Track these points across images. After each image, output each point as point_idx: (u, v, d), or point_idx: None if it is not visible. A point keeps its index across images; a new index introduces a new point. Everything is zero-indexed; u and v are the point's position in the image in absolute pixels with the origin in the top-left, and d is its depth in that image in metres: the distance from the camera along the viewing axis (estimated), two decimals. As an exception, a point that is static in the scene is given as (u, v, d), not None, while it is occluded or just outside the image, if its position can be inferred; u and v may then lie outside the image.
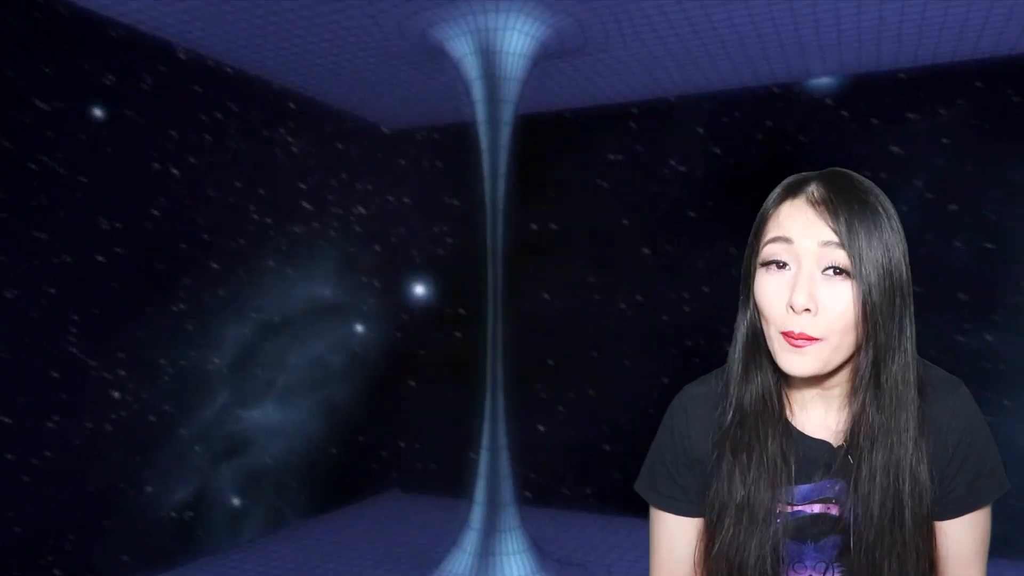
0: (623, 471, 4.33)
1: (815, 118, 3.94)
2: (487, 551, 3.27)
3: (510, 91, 3.37)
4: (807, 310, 0.85)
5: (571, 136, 4.52)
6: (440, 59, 3.53)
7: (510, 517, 3.37)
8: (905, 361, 0.88)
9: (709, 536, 0.96)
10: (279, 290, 4.07)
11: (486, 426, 3.51)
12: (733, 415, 0.94)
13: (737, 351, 0.95)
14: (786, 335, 0.86)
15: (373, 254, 4.77)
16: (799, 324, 0.85)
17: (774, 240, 0.90)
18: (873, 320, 0.85)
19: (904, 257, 0.88)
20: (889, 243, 0.87)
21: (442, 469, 4.67)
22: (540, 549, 3.43)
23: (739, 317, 0.96)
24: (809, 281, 0.86)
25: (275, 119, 4.11)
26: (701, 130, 4.18)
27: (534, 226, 4.62)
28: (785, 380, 0.96)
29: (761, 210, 0.94)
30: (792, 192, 0.92)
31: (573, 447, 4.43)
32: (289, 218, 4.19)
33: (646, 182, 4.35)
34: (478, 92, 3.38)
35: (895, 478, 0.88)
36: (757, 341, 0.93)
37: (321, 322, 4.30)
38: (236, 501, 3.79)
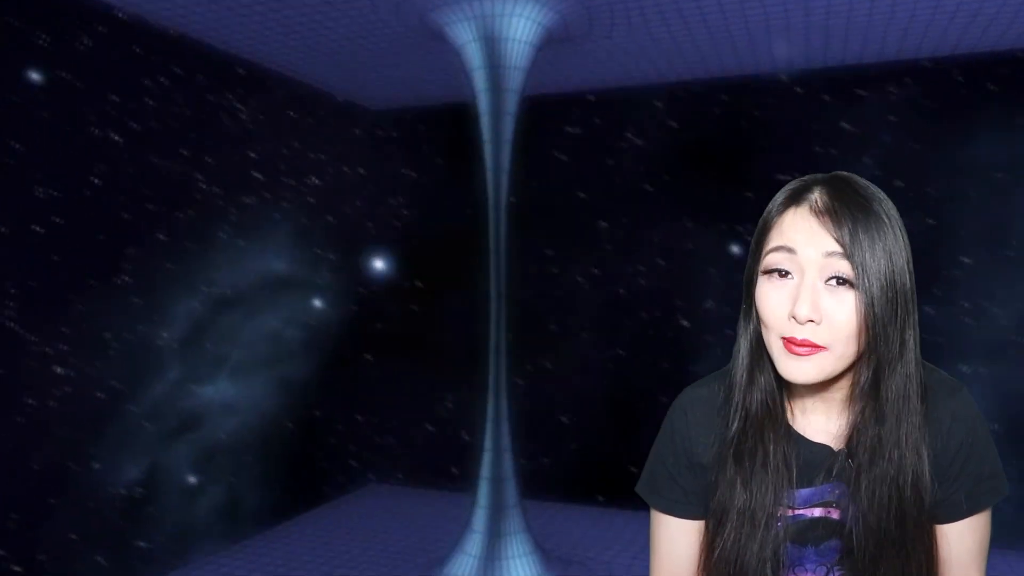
0: (580, 442, 4.39)
1: (770, 94, 3.99)
2: (492, 555, 3.21)
3: (514, 79, 3.22)
4: (811, 320, 0.85)
5: (529, 110, 4.49)
6: (416, 36, 3.40)
7: (515, 520, 3.30)
8: (907, 372, 0.88)
9: (711, 540, 0.96)
10: (230, 263, 3.97)
11: (489, 426, 3.42)
12: (739, 423, 0.94)
13: (741, 358, 0.95)
14: (788, 341, 0.86)
15: (327, 226, 4.68)
16: (802, 332, 0.86)
17: (777, 249, 0.89)
18: (874, 331, 0.85)
19: (908, 264, 0.88)
20: (892, 251, 0.87)
21: (403, 445, 4.66)
22: (546, 552, 3.38)
23: (741, 323, 0.96)
24: (812, 291, 0.86)
25: (222, 85, 3.97)
26: (659, 104, 4.19)
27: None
28: (787, 385, 0.96)
29: (764, 216, 0.94)
30: (795, 200, 0.91)
31: (531, 419, 4.47)
32: (239, 188, 4.07)
33: (603, 156, 4.35)
34: (480, 81, 3.23)
35: (895, 487, 0.89)
36: (760, 347, 0.93)
37: (275, 296, 4.22)
38: (189, 478, 3.72)
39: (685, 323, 4.17)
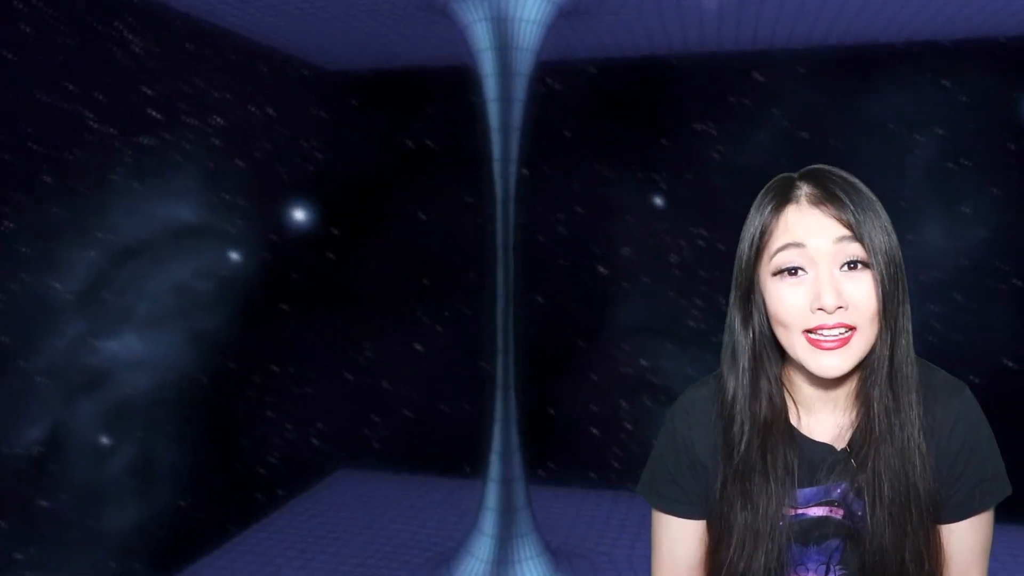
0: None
1: (688, 42, 4.03)
2: (503, 559, 3.15)
3: (524, 62, 3.01)
4: (839, 307, 0.85)
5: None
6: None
7: (525, 521, 3.23)
8: (908, 342, 0.90)
9: (714, 541, 0.97)
10: (130, 209, 3.72)
11: (497, 427, 3.30)
12: (745, 439, 0.93)
13: (740, 368, 0.94)
14: (814, 334, 0.86)
15: (236, 170, 4.44)
16: (832, 318, 0.86)
17: (785, 247, 0.89)
18: (885, 306, 0.87)
19: (895, 238, 0.90)
20: (888, 229, 0.89)
21: (322, 395, 4.58)
22: (556, 554, 3.35)
23: (736, 332, 0.95)
24: (832, 280, 0.86)
25: (111, 13, 3.63)
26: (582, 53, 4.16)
27: (410, 143, 4.48)
28: (790, 383, 0.96)
29: (754, 222, 0.92)
30: (786, 197, 0.91)
31: (451, 366, 4.49)
32: (135, 128, 3.78)
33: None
34: (489, 65, 3.00)
35: (901, 476, 0.89)
36: (764, 353, 0.93)
37: (181, 245, 4.00)
38: (95, 437, 3.55)
39: (602, 270, 4.26)
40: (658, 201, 4.13)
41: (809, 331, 0.87)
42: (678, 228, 4.13)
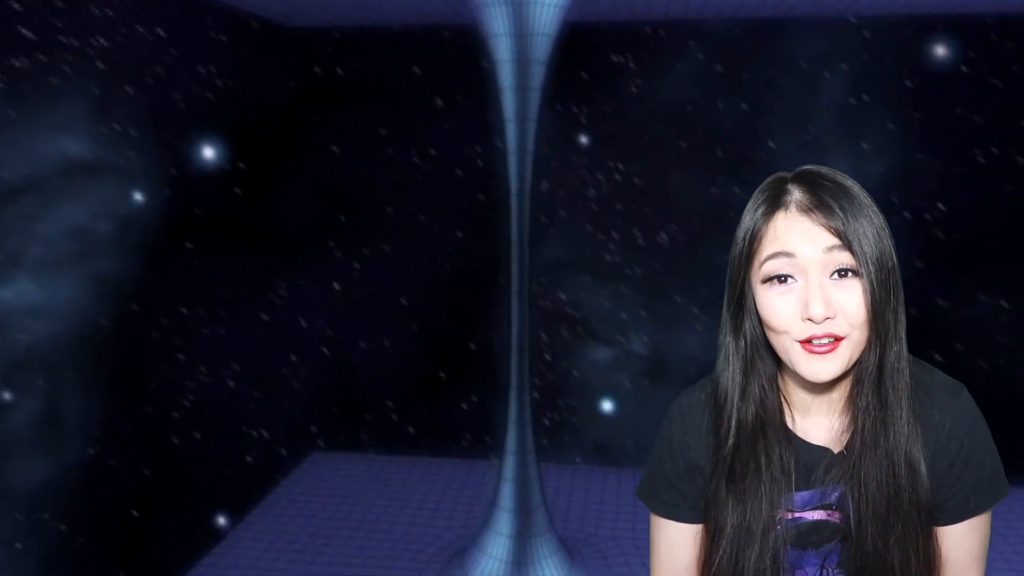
0: (420, 325, 4.46)
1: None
2: (521, 560, 3.10)
3: (541, 49, 2.76)
4: (827, 318, 0.85)
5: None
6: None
7: (541, 521, 3.19)
8: (900, 348, 0.90)
9: (710, 546, 0.97)
10: (9, 142, 3.39)
11: (512, 428, 3.20)
12: (733, 439, 0.94)
13: (731, 372, 0.94)
14: (806, 343, 0.86)
15: (125, 98, 4.10)
16: (821, 328, 0.86)
17: (774, 256, 0.88)
18: (875, 312, 0.87)
19: (890, 241, 0.90)
20: (879, 232, 0.88)
21: (236, 336, 4.44)
22: (572, 551, 3.32)
23: (729, 337, 0.95)
24: (821, 289, 0.86)
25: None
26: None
27: (318, 70, 4.24)
28: (784, 386, 0.96)
29: (746, 225, 0.92)
30: (776, 202, 0.90)
31: (370, 303, 4.44)
32: (3, 48, 3.40)
33: (438, 29, 4.13)
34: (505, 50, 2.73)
35: (888, 474, 0.90)
36: (755, 356, 0.93)
37: (73, 182, 3.69)
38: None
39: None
40: (577, 135, 4.12)
41: (802, 341, 0.87)
42: (596, 162, 4.15)
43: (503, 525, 3.16)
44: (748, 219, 0.92)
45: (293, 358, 4.33)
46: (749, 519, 0.93)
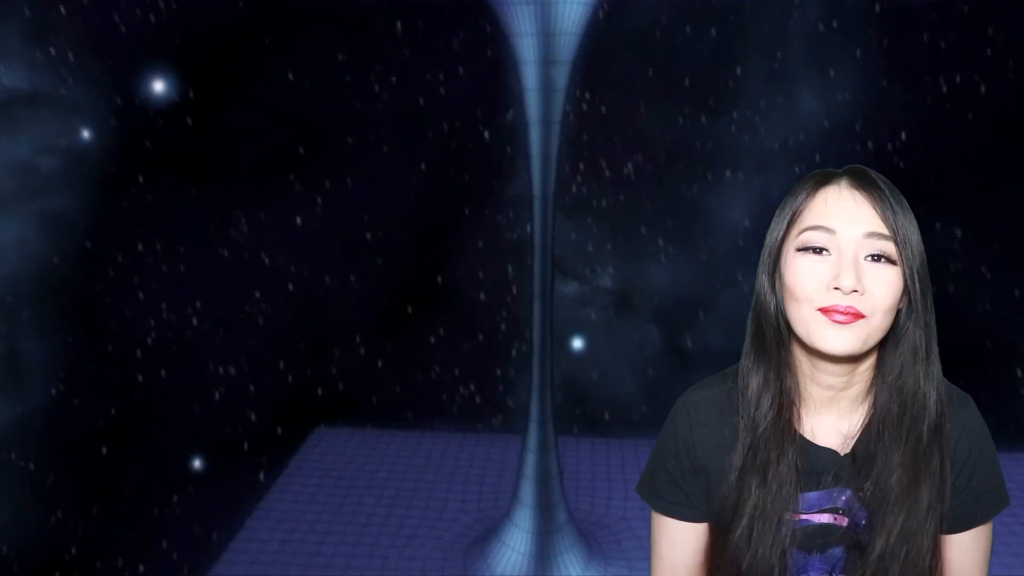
0: (386, 257, 4.41)
1: None
2: (543, 553, 3.10)
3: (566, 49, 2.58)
4: (855, 291, 0.85)
5: None
6: None
7: (560, 515, 3.16)
8: (934, 344, 0.90)
9: (717, 546, 0.96)
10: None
11: (533, 428, 3.10)
12: (751, 430, 0.93)
13: (769, 343, 0.92)
14: (826, 311, 0.85)
15: (59, 21, 3.83)
16: (846, 300, 0.85)
17: (815, 228, 0.88)
18: (914, 307, 0.87)
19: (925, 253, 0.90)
20: (917, 227, 0.88)
21: (198, 272, 4.34)
22: (591, 541, 3.33)
23: (768, 304, 0.92)
24: (855, 264, 0.86)
25: None
26: None
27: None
28: (798, 387, 0.94)
29: (792, 200, 0.92)
30: (828, 180, 0.90)
31: (333, 237, 4.37)
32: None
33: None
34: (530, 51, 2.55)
35: (910, 474, 0.90)
36: (779, 342, 0.92)
37: (11, 115, 3.49)
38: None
39: (487, 135, 4.16)
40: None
41: (822, 309, 0.86)
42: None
43: (526, 495, 3.15)
44: (791, 199, 0.92)
45: (257, 295, 4.27)
46: (759, 518, 0.92)
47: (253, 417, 4.01)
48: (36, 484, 3.60)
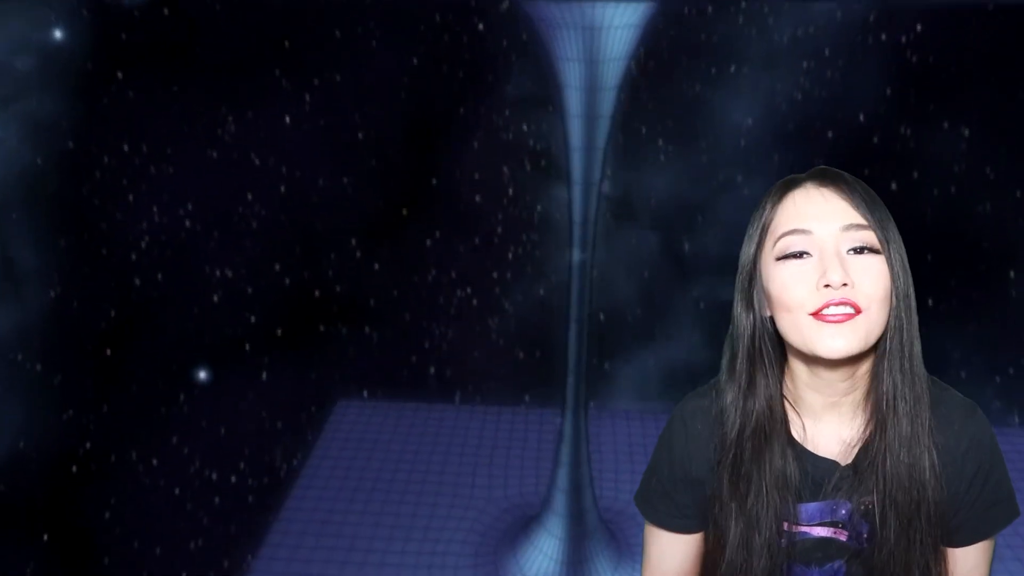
0: (379, 159, 4.30)
1: None
2: (574, 559, 3.09)
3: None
4: (844, 284, 0.82)
5: None
6: None
7: (592, 521, 3.14)
8: (918, 338, 0.88)
9: (714, 554, 0.96)
10: None
11: (567, 420, 3.05)
12: (736, 436, 0.91)
13: (740, 363, 0.91)
14: (820, 315, 0.82)
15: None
16: (840, 294, 0.82)
17: (789, 233, 0.85)
18: (898, 295, 0.85)
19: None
20: (895, 225, 0.86)
21: (184, 173, 4.25)
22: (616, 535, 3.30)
23: (737, 328, 0.91)
24: (840, 259, 0.83)
25: None
26: None
27: None
28: (792, 394, 0.92)
29: (758, 213, 0.89)
30: (793, 184, 0.88)
31: (324, 137, 4.25)
32: None
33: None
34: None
35: (912, 468, 0.87)
36: (764, 348, 0.90)
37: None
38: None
39: (481, 27, 3.96)
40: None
41: (814, 312, 0.83)
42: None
43: (553, 526, 3.16)
44: (760, 209, 0.90)
45: (249, 197, 4.21)
46: (753, 528, 0.91)
47: (253, 319, 4.05)
48: (44, 385, 3.68)
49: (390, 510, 3.52)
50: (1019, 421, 3.79)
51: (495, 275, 4.15)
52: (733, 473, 0.91)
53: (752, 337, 0.90)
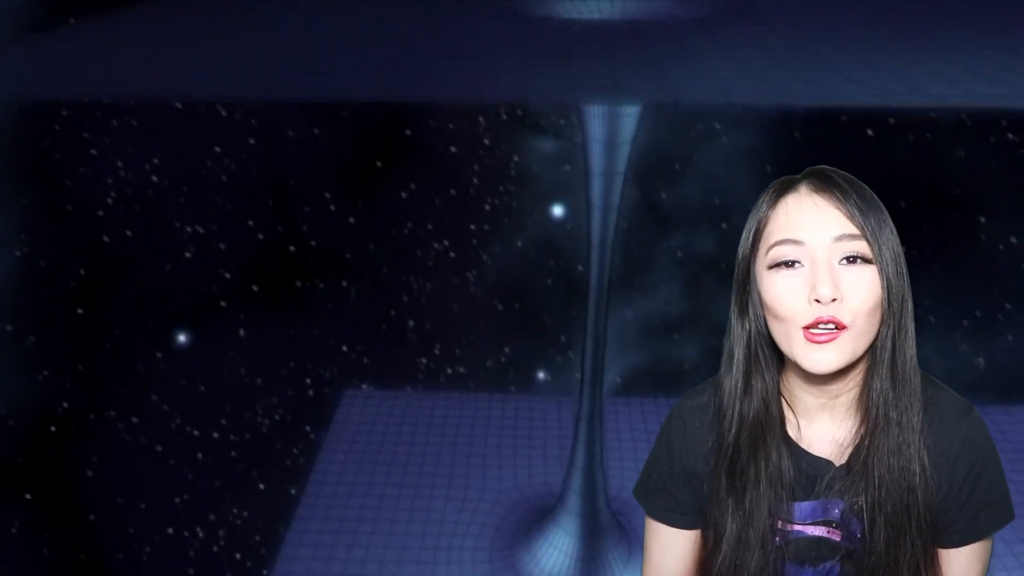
0: (350, 109, 4.18)
1: None
2: (589, 555, 3.15)
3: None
4: (833, 300, 0.82)
5: None
6: None
7: (607, 519, 3.19)
8: (912, 345, 0.88)
9: (710, 551, 0.95)
10: None
11: (580, 449, 3.13)
12: (734, 435, 0.91)
13: (736, 363, 0.91)
14: (809, 331, 0.83)
15: None
16: (827, 311, 0.82)
17: (781, 243, 0.85)
18: (891, 302, 0.84)
19: (898, 243, 0.86)
20: (890, 224, 0.85)
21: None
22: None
23: (734, 328, 0.91)
24: (830, 271, 0.83)
25: None
26: None
27: None
28: (788, 392, 0.93)
29: (754, 215, 0.89)
30: (787, 189, 0.87)
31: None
32: None
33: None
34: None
35: (901, 470, 0.87)
36: (759, 350, 0.90)
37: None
38: None
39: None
40: None
41: (806, 327, 0.84)
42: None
43: (568, 523, 3.23)
44: (754, 212, 0.89)
45: (218, 150, 4.09)
46: (748, 525, 0.91)
47: (227, 275, 4.00)
48: (17, 345, 3.63)
49: (403, 494, 3.51)
50: (985, 364, 3.91)
51: (472, 227, 4.11)
52: (730, 469, 0.92)
53: (748, 338, 0.91)
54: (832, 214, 0.84)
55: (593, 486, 3.22)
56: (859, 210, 0.84)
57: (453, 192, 4.16)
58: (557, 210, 3.94)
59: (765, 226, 0.88)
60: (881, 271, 0.84)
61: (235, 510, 3.46)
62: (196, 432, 3.64)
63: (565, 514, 3.26)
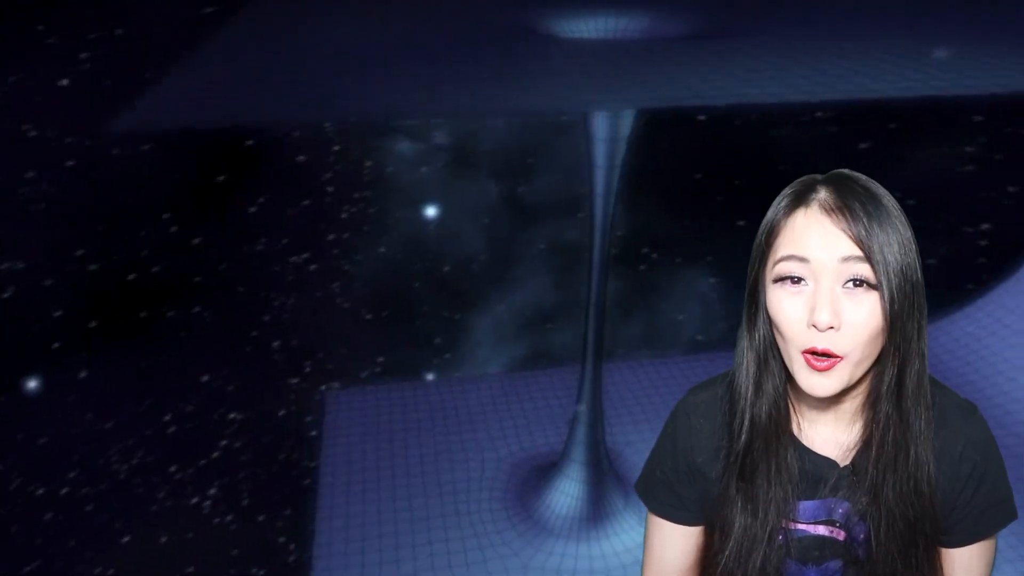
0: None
1: None
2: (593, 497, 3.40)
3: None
4: (831, 327, 0.83)
5: None
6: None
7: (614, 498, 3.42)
8: (922, 365, 0.88)
9: (717, 546, 0.96)
10: None
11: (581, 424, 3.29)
12: (746, 436, 0.92)
13: (746, 366, 0.92)
14: (808, 355, 0.84)
15: None
16: (823, 341, 0.83)
17: (788, 258, 0.85)
18: (895, 328, 0.84)
19: (917, 255, 0.86)
20: (905, 245, 0.84)
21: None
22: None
23: (745, 330, 0.92)
24: (831, 297, 0.83)
25: None
26: None
27: None
28: (795, 394, 0.93)
29: (768, 218, 0.89)
30: (801, 200, 0.87)
31: (109, 96, 3.77)
32: None
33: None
34: None
35: (912, 495, 0.89)
36: (768, 355, 0.91)
37: None
38: None
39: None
40: None
41: (805, 351, 0.85)
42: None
43: (575, 472, 3.53)
44: (771, 212, 0.90)
45: (31, 174, 3.65)
46: (756, 522, 0.93)
47: (57, 313, 3.59)
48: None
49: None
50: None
51: (331, 237, 4.01)
52: (742, 463, 0.93)
53: (759, 342, 0.92)
54: (840, 235, 0.84)
55: (595, 438, 3.59)
56: (867, 230, 0.83)
57: (306, 203, 4.03)
58: (429, 211, 3.94)
59: (777, 235, 0.88)
60: (888, 296, 0.83)
61: (99, 569, 3.15)
62: (41, 491, 3.26)
63: (570, 463, 3.58)
